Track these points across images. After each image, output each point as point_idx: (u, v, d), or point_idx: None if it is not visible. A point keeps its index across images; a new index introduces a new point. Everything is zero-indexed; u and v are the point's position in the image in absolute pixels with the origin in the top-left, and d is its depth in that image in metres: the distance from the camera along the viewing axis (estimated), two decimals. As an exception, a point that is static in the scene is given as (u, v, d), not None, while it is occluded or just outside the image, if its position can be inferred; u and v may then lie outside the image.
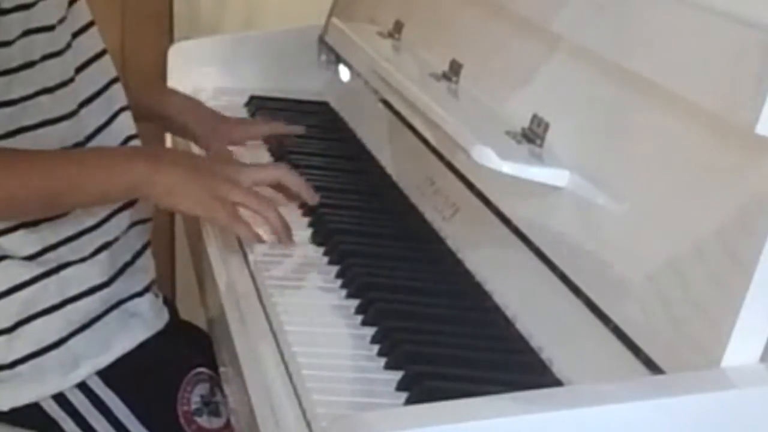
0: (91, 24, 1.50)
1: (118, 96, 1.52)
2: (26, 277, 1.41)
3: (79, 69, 1.47)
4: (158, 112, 1.75)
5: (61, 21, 1.44)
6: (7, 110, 1.39)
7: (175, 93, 1.88)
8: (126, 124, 1.52)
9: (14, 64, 1.39)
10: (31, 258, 1.40)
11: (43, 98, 1.41)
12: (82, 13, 1.49)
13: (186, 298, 2.00)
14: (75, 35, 1.47)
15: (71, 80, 1.45)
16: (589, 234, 1.17)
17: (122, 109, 1.52)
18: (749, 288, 0.93)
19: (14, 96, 1.39)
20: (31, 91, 1.40)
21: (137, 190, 1.38)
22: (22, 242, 1.40)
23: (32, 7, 1.39)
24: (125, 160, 1.39)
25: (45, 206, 1.38)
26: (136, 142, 1.52)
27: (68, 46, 1.45)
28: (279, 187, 1.49)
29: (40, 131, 1.41)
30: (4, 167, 1.34)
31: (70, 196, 1.38)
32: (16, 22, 1.37)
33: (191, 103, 1.83)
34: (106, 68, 1.51)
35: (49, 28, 1.42)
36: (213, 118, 1.80)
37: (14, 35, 1.38)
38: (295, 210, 1.55)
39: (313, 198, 1.51)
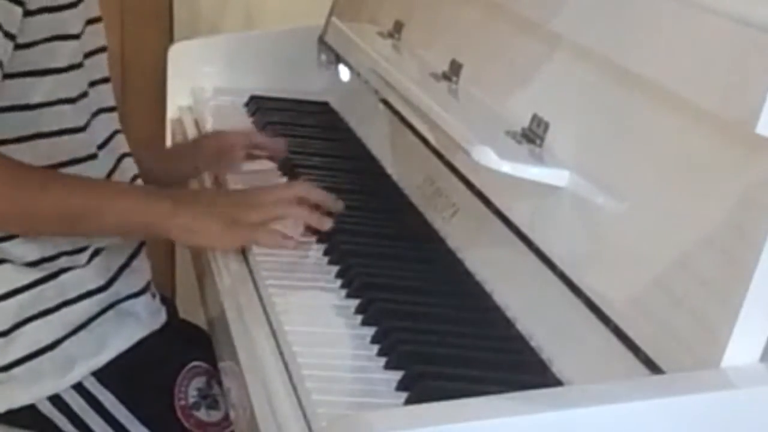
0: (103, 48, 1.51)
1: (114, 122, 1.53)
2: (25, 281, 1.41)
3: (93, 84, 1.48)
4: (165, 173, 1.74)
5: (82, 34, 1.45)
6: (28, 114, 1.39)
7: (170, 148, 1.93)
8: (122, 143, 1.53)
9: (38, 67, 1.39)
10: (30, 265, 1.41)
11: (65, 107, 1.42)
12: (98, 36, 1.50)
13: (186, 298, 2.00)
14: (87, 55, 1.47)
15: (86, 94, 1.46)
16: (589, 234, 1.17)
17: (117, 132, 1.53)
18: (749, 288, 0.93)
19: (35, 100, 1.39)
20: (53, 98, 1.40)
21: (154, 228, 1.40)
22: (22, 249, 1.40)
23: (58, 12, 1.39)
24: (146, 198, 1.41)
25: (63, 228, 1.39)
26: (129, 159, 1.53)
27: (82, 63, 1.46)
28: (301, 203, 1.46)
29: (56, 139, 1.41)
30: (27, 184, 1.35)
31: (88, 222, 1.38)
32: (42, 26, 1.38)
33: (182, 146, 1.87)
34: (109, 93, 1.53)
35: (75, 37, 1.43)
36: (210, 139, 1.81)
37: (38, 38, 1.38)
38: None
39: (336, 205, 1.48)
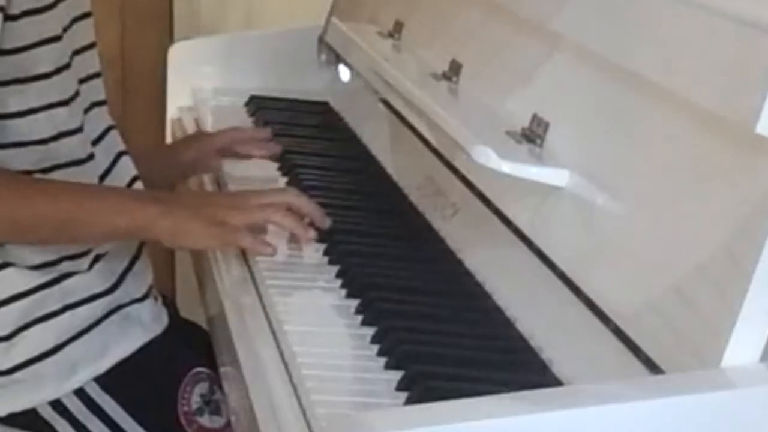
0: (93, 45, 1.50)
1: (105, 116, 1.52)
2: (28, 286, 1.39)
3: (82, 81, 1.47)
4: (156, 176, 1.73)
5: (66, 30, 1.43)
6: (20, 121, 1.37)
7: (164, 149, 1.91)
8: (116, 140, 1.52)
9: (27, 74, 1.37)
10: (33, 268, 1.40)
11: (60, 110, 1.40)
12: (88, 32, 1.49)
13: (186, 298, 2.00)
14: (76, 53, 1.45)
15: (77, 93, 1.44)
16: (589, 234, 1.17)
17: (111, 128, 1.52)
18: (749, 288, 0.93)
19: (31, 105, 1.38)
20: (45, 102, 1.39)
21: (143, 232, 1.39)
22: (25, 252, 1.39)
23: (39, 14, 1.37)
24: (133, 203, 1.40)
25: (49, 236, 1.38)
26: (127, 158, 1.52)
27: (69, 63, 1.44)
28: (289, 211, 1.45)
29: (53, 144, 1.40)
30: (12, 192, 1.34)
31: (77, 229, 1.37)
32: (25, 31, 1.36)
33: (165, 151, 1.85)
34: (101, 87, 1.52)
35: (57, 39, 1.40)
36: (185, 146, 1.79)
37: (22, 44, 1.36)
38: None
39: (323, 222, 1.46)
